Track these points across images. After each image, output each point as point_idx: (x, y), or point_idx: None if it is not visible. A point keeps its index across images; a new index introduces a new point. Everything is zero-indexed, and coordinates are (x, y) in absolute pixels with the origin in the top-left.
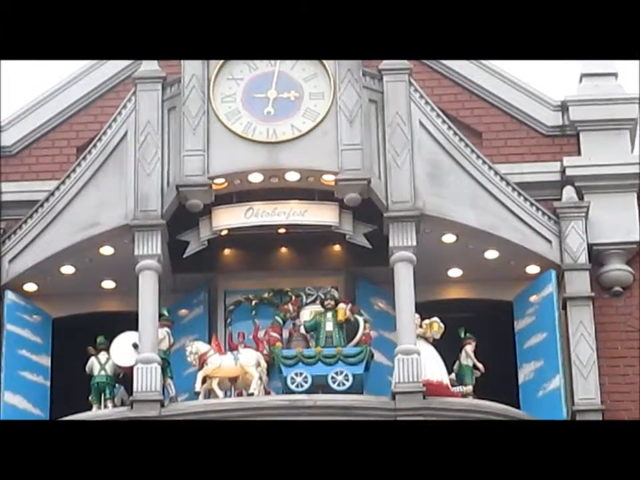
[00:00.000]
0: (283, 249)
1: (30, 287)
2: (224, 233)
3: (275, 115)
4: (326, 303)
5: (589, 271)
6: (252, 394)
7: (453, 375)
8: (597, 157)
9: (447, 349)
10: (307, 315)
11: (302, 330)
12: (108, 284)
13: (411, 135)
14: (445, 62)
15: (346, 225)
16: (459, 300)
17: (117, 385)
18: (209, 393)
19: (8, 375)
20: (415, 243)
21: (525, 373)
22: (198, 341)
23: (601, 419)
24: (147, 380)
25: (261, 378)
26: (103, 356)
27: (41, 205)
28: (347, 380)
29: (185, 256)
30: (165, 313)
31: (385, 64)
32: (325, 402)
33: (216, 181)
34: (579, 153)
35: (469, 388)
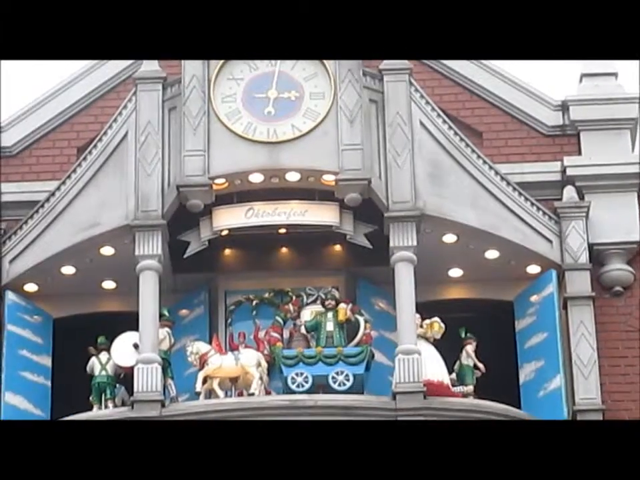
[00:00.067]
0: (284, 249)
1: (30, 287)
2: (224, 233)
3: (276, 115)
4: (327, 303)
5: (590, 270)
6: (253, 394)
7: (454, 375)
8: (598, 156)
9: (448, 348)
10: (307, 315)
11: (302, 330)
12: (108, 284)
13: (412, 135)
14: (445, 62)
15: (346, 225)
16: (459, 300)
17: (117, 385)
18: (210, 393)
19: (9, 376)
20: (415, 243)
21: (526, 372)
22: (198, 341)
23: (601, 418)
24: (148, 380)
25: (261, 378)
26: (103, 356)
27: (42, 206)
28: (348, 380)
29: (185, 256)
30: (166, 313)
31: (386, 64)
32: (326, 402)
33: (216, 181)
34: (580, 153)
35: (470, 388)
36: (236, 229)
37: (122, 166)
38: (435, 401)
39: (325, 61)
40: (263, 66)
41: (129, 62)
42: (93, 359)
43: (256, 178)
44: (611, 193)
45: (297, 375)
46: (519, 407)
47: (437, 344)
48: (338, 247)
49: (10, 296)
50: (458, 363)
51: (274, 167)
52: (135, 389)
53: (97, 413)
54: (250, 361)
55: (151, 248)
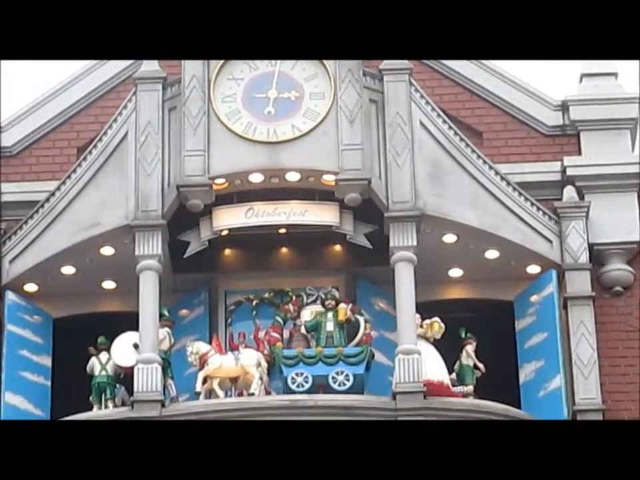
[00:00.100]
0: (284, 249)
1: (30, 287)
2: (224, 233)
3: (276, 115)
4: (327, 303)
5: (590, 270)
6: (253, 394)
7: (454, 375)
8: (598, 156)
9: (448, 348)
10: (307, 315)
11: (302, 330)
12: (108, 284)
13: (412, 135)
14: (445, 62)
15: (346, 225)
16: (459, 300)
17: (117, 385)
18: (210, 393)
19: (9, 376)
20: (415, 243)
21: (526, 372)
22: (198, 341)
23: (601, 418)
24: (148, 380)
25: (261, 378)
26: (103, 356)
27: (42, 206)
28: (348, 380)
29: (185, 256)
30: (166, 313)
31: (386, 64)
32: (326, 402)
33: (216, 181)
34: (580, 153)
35: (470, 388)
36: (236, 229)
37: (122, 166)
38: (435, 401)
39: (324, 61)
40: (263, 66)
41: (129, 62)
42: (93, 358)
43: (256, 178)
44: (611, 192)
45: (297, 374)
46: (519, 407)
47: (437, 344)
48: (338, 247)
49: (10, 296)
50: (458, 363)
51: (274, 167)
52: (135, 389)
53: (97, 413)
54: (250, 361)
55: (151, 248)
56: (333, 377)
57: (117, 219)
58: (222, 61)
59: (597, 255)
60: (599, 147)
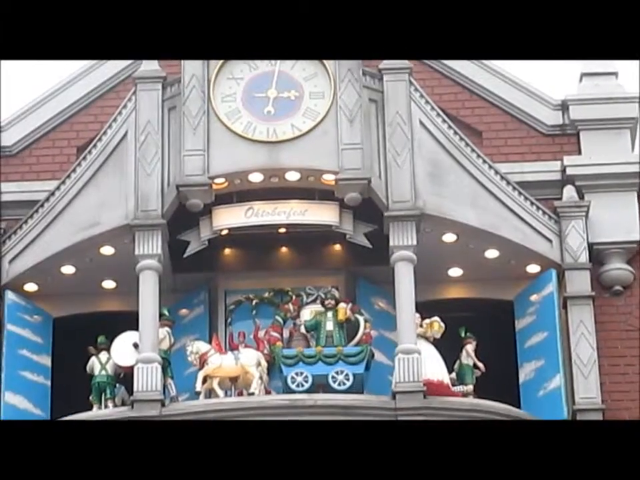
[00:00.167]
0: (284, 249)
1: (30, 286)
2: (224, 232)
3: (275, 115)
4: (326, 302)
5: (590, 270)
6: (252, 393)
7: (454, 375)
8: (598, 156)
9: (448, 348)
10: (307, 314)
11: (302, 329)
12: (108, 284)
13: (411, 135)
14: (445, 61)
15: (346, 225)
16: (459, 299)
17: (117, 385)
18: (210, 393)
19: (8, 375)
20: (415, 243)
21: (526, 372)
22: (198, 341)
23: (601, 418)
24: (148, 380)
25: (261, 377)
26: (103, 356)
27: (41, 205)
28: (348, 379)
29: (185, 256)
30: (166, 312)
31: (385, 63)
32: (326, 401)
33: (216, 180)
34: (579, 152)
35: (470, 387)
36: (236, 229)
37: (122, 165)
38: (435, 400)
39: (324, 61)
40: (263, 65)
41: (129, 61)
42: (93, 358)
43: (256, 177)
44: (611, 192)
45: (296, 374)
46: (518, 407)
47: (436, 343)
48: (338, 247)
49: (10, 295)
50: (458, 362)
51: (274, 167)
52: (135, 389)
53: (96, 413)
54: (250, 360)
55: (150, 247)
56: (333, 377)
57: (117, 218)
58: (222, 61)
59: (597, 255)
60: (598, 147)
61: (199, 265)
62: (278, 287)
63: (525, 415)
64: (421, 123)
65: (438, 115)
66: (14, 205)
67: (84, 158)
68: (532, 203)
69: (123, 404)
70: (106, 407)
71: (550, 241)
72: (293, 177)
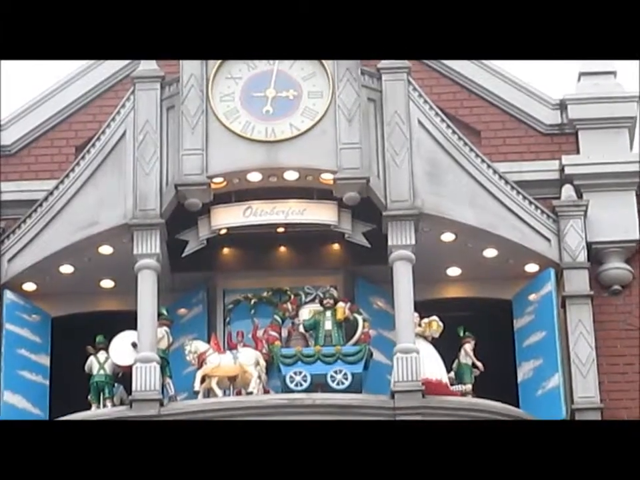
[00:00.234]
0: (282, 248)
1: (29, 286)
2: (223, 232)
3: (274, 114)
4: (325, 301)
5: (588, 269)
6: (251, 393)
7: (452, 374)
8: (596, 155)
9: (446, 347)
10: (306, 313)
11: (301, 329)
12: (107, 283)
13: (410, 134)
14: (443, 61)
15: (345, 224)
16: (457, 299)
17: (116, 384)
18: (208, 392)
19: (7, 375)
20: (413, 242)
21: (524, 371)
22: (197, 340)
23: (600, 417)
24: (146, 379)
25: (260, 377)
26: (102, 355)
27: (40, 205)
28: (346, 379)
29: (183, 255)
30: (164, 312)
31: (384, 63)
32: (324, 401)
33: (215, 180)
34: (578, 152)
35: (468, 387)
36: (234, 228)
37: (120, 165)
38: (434, 399)
39: (323, 60)
40: (262, 65)
41: (127, 61)
42: (92, 358)
43: (254, 177)
44: (610, 191)
45: (295, 373)
46: (517, 406)
47: (435, 343)
48: (336, 246)
49: (8, 295)
50: (456, 361)
51: (272, 166)
52: (134, 388)
53: (95, 412)
54: (248, 359)
55: (149, 247)
56: (332, 376)
57: (115, 217)
58: (220, 60)
59: (596, 254)
60: (597, 146)
61: (198, 264)
62: (276, 286)
63: (524, 415)
64: (420, 122)
65: (436, 114)
66: (12, 204)
67: (82, 157)
68: (530, 202)
69: (122, 403)
70: (104, 406)
71: (548, 240)
72: (291, 176)
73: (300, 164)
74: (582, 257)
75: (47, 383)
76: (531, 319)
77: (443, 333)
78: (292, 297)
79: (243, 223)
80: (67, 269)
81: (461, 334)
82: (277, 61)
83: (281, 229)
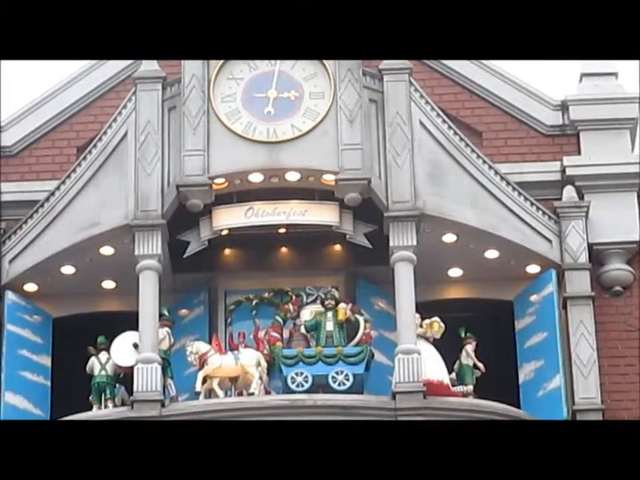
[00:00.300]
0: (283, 249)
1: (30, 287)
2: (224, 232)
3: (275, 115)
4: (326, 302)
5: (589, 270)
6: (252, 394)
7: (454, 375)
8: (597, 156)
9: (448, 348)
10: (307, 314)
11: (302, 330)
12: (108, 284)
13: (411, 135)
14: (445, 61)
15: (346, 225)
16: (459, 300)
17: (117, 385)
18: (210, 393)
19: (8, 375)
20: (415, 243)
21: (526, 372)
22: (198, 341)
23: (601, 418)
24: (148, 380)
25: (261, 378)
26: (103, 356)
27: (41, 205)
28: (348, 380)
29: (185, 256)
30: (166, 312)
31: (385, 64)
32: (326, 402)
33: (216, 180)
34: (579, 153)
35: (470, 387)
36: (236, 229)
37: (122, 165)
38: (435, 400)
39: (324, 61)
40: (263, 66)
41: (129, 61)
42: (93, 358)
43: (256, 178)
44: (611, 192)
45: (296, 374)
46: (518, 407)
47: (436, 344)
48: (338, 247)
49: (10, 296)
50: (458, 362)
51: (274, 167)
52: (135, 389)
53: (96, 413)
54: (250, 360)
55: (150, 248)
56: (333, 377)
57: (117, 218)
58: (222, 61)
59: (597, 255)
60: (598, 147)
61: (199, 265)
62: (278, 287)
63: (525, 415)
64: (421, 123)
65: (438, 115)
66: (14, 205)
67: (84, 158)
68: (532, 204)
69: (123, 404)
70: (106, 407)
71: (550, 241)
72: (292, 177)
73: (301, 165)
74: (583, 258)
75: (48, 383)
76: (532, 320)
77: (444, 334)
78: (293, 297)
79: (245, 223)
80: (68, 269)
81: (462, 335)
82: (278, 62)
83: (282, 230)
